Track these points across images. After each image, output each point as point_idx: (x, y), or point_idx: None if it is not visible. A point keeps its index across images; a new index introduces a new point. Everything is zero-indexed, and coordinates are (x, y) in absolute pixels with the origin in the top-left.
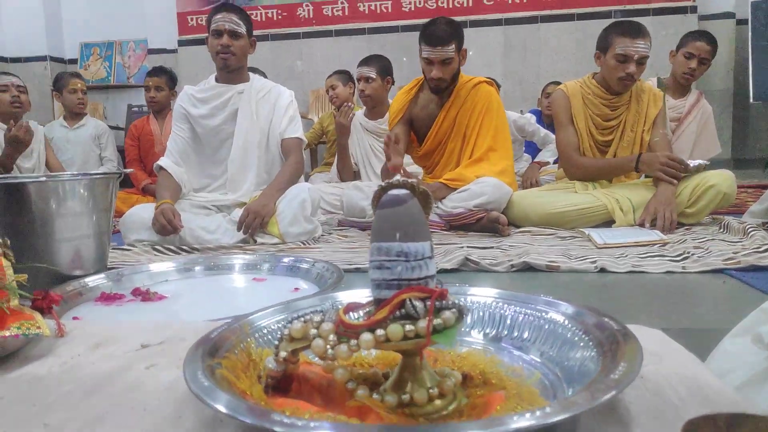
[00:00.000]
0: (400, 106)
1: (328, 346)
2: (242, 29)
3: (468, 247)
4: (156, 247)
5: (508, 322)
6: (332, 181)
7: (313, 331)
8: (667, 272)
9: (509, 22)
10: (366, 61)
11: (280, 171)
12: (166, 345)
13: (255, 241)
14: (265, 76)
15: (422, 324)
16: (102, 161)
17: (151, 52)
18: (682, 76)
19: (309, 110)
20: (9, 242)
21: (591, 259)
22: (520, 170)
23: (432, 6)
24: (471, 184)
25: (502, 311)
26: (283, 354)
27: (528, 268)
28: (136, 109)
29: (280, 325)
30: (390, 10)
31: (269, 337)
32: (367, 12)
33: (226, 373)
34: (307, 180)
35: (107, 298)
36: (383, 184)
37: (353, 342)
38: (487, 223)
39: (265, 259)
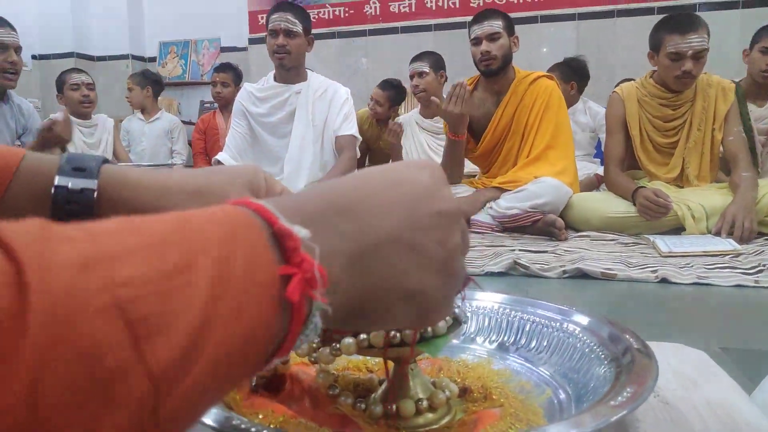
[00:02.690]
0: None
1: (312, 351)
2: (298, 28)
3: (520, 250)
4: None
5: (518, 330)
6: None
7: None
8: (737, 286)
9: (583, 16)
10: (418, 57)
11: (332, 167)
12: None
13: None
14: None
15: (408, 331)
16: (172, 154)
17: (224, 50)
18: (761, 75)
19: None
20: None
21: (652, 268)
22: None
23: (501, 1)
24: (528, 184)
25: (511, 318)
26: None
27: (581, 275)
28: (207, 104)
29: None
30: (457, 5)
31: None
32: (434, 8)
33: None
34: None
35: None
36: None
37: (336, 346)
38: (543, 225)
39: None
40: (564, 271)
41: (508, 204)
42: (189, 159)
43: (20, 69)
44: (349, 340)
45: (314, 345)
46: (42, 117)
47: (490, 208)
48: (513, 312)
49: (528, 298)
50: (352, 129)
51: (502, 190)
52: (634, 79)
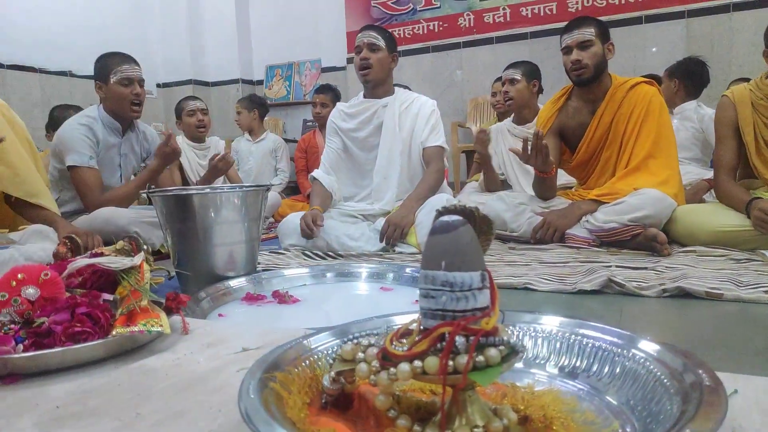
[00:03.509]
0: (548, 116)
1: (372, 373)
2: (381, 42)
3: (617, 266)
4: (306, 252)
5: (585, 354)
6: (482, 190)
7: (360, 355)
8: None
9: (693, 13)
10: (511, 65)
11: (420, 180)
12: (263, 350)
13: (394, 251)
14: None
15: (462, 360)
16: (276, 172)
17: (324, 70)
18: None
19: (467, 119)
20: (150, 249)
21: (765, 288)
22: None
23: (601, 3)
24: (628, 197)
25: (580, 344)
26: (332, 374)
27: (683, 294)
28: (309, 123)
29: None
30: (554, 11)
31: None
32: (529, 15)
33: (278, 388)
34: (461, 188)
35: (251, 298)
36: (440, 209)
37: (392, 371)
38: (644, 240)
39: (391, 269)
40: (664, 290)
41: (606, 217)
42: (292, 175)
43: (144, 100)
44: (404, 367)
45: (373, 368)
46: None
47: (587, 221)
48: (579, 337)
49: (594, 323)
50: (439, 140)
51: (600, 203)
52: (749, 80)
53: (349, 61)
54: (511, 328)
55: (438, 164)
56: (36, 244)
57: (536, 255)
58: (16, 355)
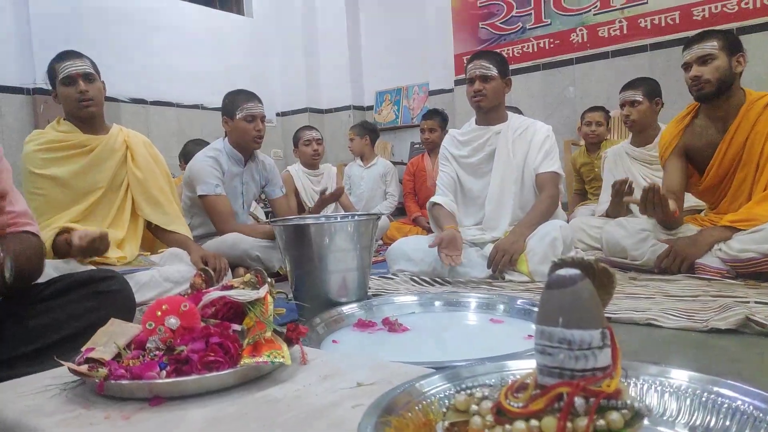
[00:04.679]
0: (672, 137)
1: (486, 427)
2: (493, 71)
3: (756, 302)
4: (414, 277)
5: (721, 417)
6: (598, 214)
7: (474, 407)
8: None
9: None
10: (630, 85)
11: (532, 207)
12: (377, 386)
13: (503, 278)
14: (520, 113)
15: (582, 423)
16: (386, 195)
17: (432, 93)
18: None
19: (580, 137)
20: (273, 281)
21: None
22: None
23: (732, 9)
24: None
25: (714, 402)
26: (446, 424)
27: None
28: (417, 145)
29: (457, 390)
30: (677, 21)
31: (447, 400)
32: (649, 27)
33: None
34: (572, 212)
35: (362, 324)
36: (556, 260)
37: (508, 427)
38: None
39: (502, 300)
40: None
41: (743, 246)
42: (400, 197)
43: (264, 134)
44: (520, 425)
45: (488, 423)
46: (281, 165)
47: (719, 250)
48: (713, 395)
49: (731, 381)
50: (553, 166)
51: (735, 230)
52: None
53: (457, 83)
54: (633, 380)
55: (551, 190)
56: (173, 266)
57: (661, 287)
58: (160, 381)
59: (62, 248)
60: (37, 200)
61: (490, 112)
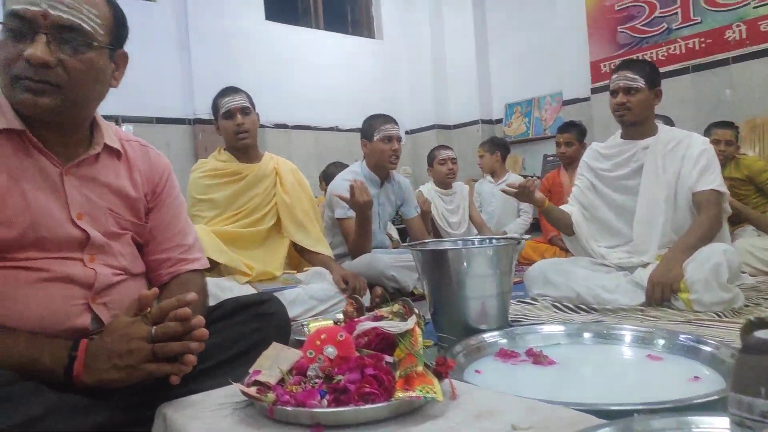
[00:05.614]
0: None
1: None
2: (639, 83)
3: None
4: (556, 303)
5: None
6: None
7: None
8: None
9: None
10: None
11: (688, 229)
12: (532, 430)
13: (661, 304)
14: (672, 123)
15: None
16: (518, 213)
17: (566, 103)
18: None
19: (743, 143)
20: (422, 315)
21: None
22: None
23: None
24: None
25: None
26: None
27: None
28: (550, 158)
29: None
30: None
31: None
32: None
33: None
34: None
35: (504, 354)
36: (753, 318)
37: None
38: None
39: (661, 334)
40: None
41: None
42: (534, 213)
43: (400, 154)
44: None
45: None
46: (413, 182)
47: None
48: None
49: None
50: (712, 183)
51: None
52: None
53: (594, 91)
54: None
55: (711, 210)
56: (317, 285)
57: None
58: (321, 410)
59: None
60: (197, 224)
61: (636, 125)
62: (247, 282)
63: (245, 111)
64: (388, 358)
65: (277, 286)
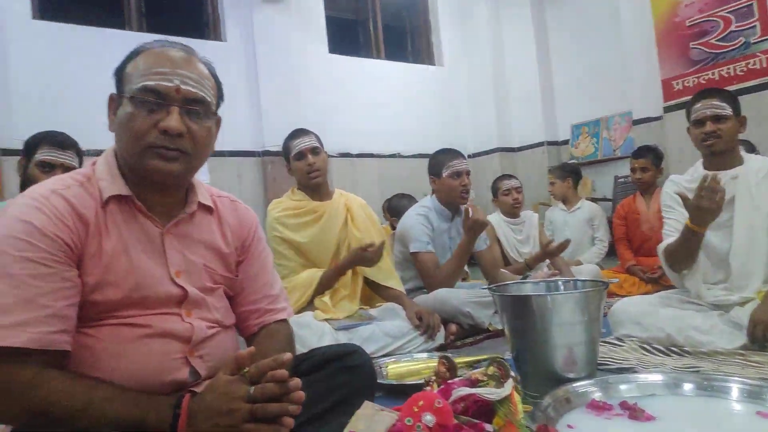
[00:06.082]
0: None
1: None
2: (727, 111)
3: None
4: (644, 345)
5: None
6: None
7: None
8: None
9: None
10: None
11: None
12: None
13: (764, 347)
14: (754, 147)
15: None
16: (594, 241)
17: (636, 122)
18: None
19: None
20: (519, 378)
21: None
22: None
23: None
24: None
25: None
26: None
27: None
28: (621, 179)
29: None
30: None
31: None
32: None
33: None
34: None
35: (596, 407)
36: None
37: None
38: None
39: None
40: None
41: None
42: (611, 240)
43: (470, 188)
44: None
45: None
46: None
47: None
48: None
49: None
50: None
51: None
52: None
53: (667, 110)
54: None
55: None
56: (391, 322)
57: None
58: None
59: None
60: (279, 265)
61: (723, 154)
62: (324, 319)
63: (315, 151)
64: (488, 427)
65: (353, 323)
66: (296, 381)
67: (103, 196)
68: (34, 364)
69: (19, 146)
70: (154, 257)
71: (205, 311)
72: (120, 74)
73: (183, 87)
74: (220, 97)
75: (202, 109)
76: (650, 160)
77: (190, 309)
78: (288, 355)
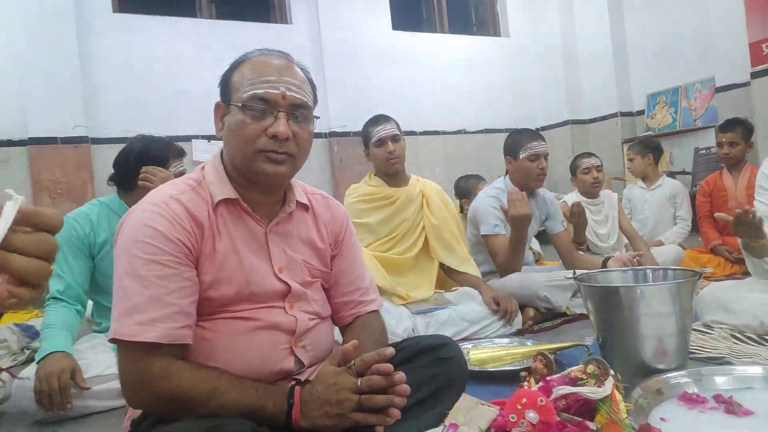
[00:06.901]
0: None
1: None
2: None
3: None
4: (735, 333)
5: None
6: None
7: None
8: None
9: None
10: None
11: None
12: None
13: None
14: None
15: None
16: (675, 220)
17: (719, 90)
18: None
19: None
20: (619, 376)
21: None
22: None
23: None
24: None
25: None
26: None
27: None
28: (703, 151)
29: None
30: None
31: None
32: None
33: None
34: None
35: (689, 399)
36: None
37: None
38: None
39: None
40: None
41: None
42: (693, 223)
43: (547, 171)
44: None
45: None
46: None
47: None
48: None
49: None
50: None
51: None
52: None
53: (754, 75)
54: None
55: None
56: (467, 306)
57: None
58: None
59: None
60: None
61: None
62: (402, 304)
63: (395, 138)
64: (591, 425)
65: (430, 307)
66: (401, 374)
67: (213, 200)
68: (163, 357)
69: (106, 135)
70: (259, 255)
71: (305, 304)
72: (226, 83)
73: (288, 93)
74: (315, 100)
75: (305, 113)
76: (740, 134)
77: (293, 302)
78: (390, 350)
